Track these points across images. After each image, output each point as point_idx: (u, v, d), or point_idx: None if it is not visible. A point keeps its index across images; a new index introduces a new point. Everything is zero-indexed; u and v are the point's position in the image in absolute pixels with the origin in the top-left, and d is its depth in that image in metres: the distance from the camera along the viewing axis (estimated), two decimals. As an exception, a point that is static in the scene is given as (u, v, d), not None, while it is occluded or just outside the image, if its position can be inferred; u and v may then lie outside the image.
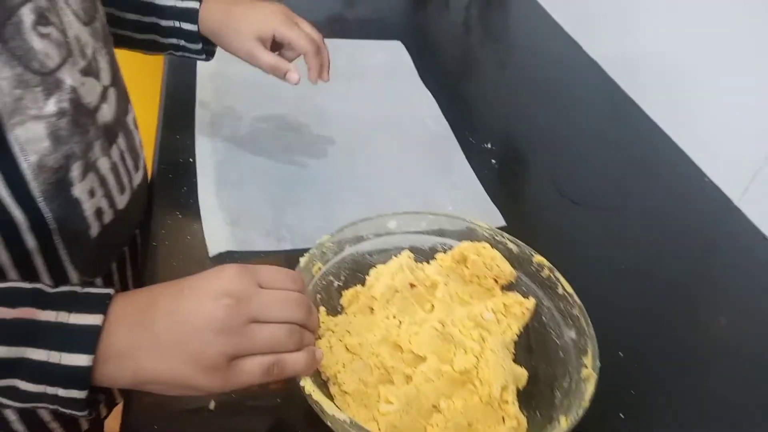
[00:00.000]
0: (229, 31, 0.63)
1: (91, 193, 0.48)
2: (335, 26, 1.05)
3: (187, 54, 0.67)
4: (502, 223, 0.66)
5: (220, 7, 0.63)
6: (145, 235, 0.61)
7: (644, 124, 0.89)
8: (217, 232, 0.60)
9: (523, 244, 0.52)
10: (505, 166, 0.76)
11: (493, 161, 0.76)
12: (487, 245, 0.51)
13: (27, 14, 0.40)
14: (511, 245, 0.52)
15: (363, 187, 0.69)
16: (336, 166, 0.72)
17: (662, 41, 0.88)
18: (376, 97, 0.84)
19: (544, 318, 0.49)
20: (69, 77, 0.44)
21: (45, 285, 0.36)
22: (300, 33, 0.63)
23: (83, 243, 0.49)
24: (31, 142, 0.41)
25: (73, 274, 0.49)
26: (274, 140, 0.74)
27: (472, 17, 1.22)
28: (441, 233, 0.53)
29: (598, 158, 0.82)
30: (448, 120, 0.82)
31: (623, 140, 0.86)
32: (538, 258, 0.50)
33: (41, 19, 0.41)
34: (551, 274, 0.49)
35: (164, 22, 0.63)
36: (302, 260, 0.48)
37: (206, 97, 0.79)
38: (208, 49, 0.66)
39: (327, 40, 0.89)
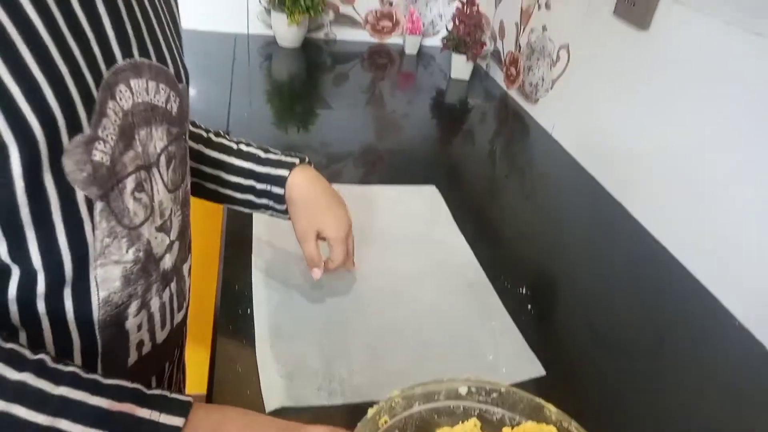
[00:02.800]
0: (300, 210, 0.72)
1: (139, 327, 0.55)
2: (371, 169, 1.14)
3: (274, 214, 0.75)
4: (542, 372, 0.69)
5: (305, 186, 0.72)
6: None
7: (670, 266, 0.93)
8: (273, 387, 0.64)
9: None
10: (541, 311, 0.80)
11: (530, 306, 0.80)
12: (554, 430, 0.52)
13: (130, 182, 0.50)
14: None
15: (408, 336, 0.72)
16: (382, 315, 0.76)
17: (688, 186, 0.94)
18: (416, 246, 0.90)
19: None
20: (147, 232, 0.53)
21: (142, 386, 0.45)
22: (341, 251, 0.72)
23: (119, 368, 0.55)
24: (107, 282, 0.49)
25: None
26: (323, 289, 0.79)
27: (496, 152, 1.32)
28: (511, 407, 0.54)
29: (632, 301, 0.86)
30: (483, 264, 0.86)
31: (649, 279, 0.90)
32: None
33: (139, 186, 0.51)
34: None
35: (259, 186, 0.72)
36: (370, 411, 0.50)
37: (262, 248, 0.85)
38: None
39: (367, 187, 0.97)
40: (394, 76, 1.71)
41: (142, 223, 0.52)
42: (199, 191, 0.74)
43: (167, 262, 0.57)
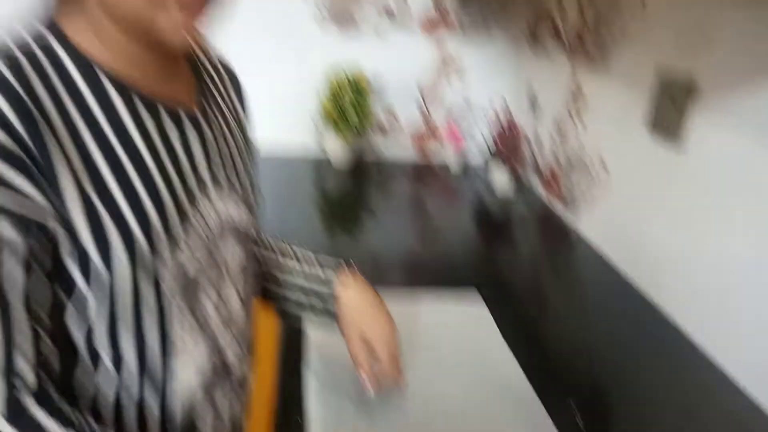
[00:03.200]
0: (347, 313, 0.76)
1: (210, 427, 0.59)
2: (415, 277, 1.17)
3: (319, 315, 0.78)
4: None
5: (353, 289, 0.77)
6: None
7: (714, 376, 0.90)
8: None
9: None
10: (590, 423, 0.78)
11: (578, 420, 0.78)
12: None
13: (209, 290, 0.58)
14: None
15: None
16: (430, 427, 0.76)
17: (726, 289, 0.93)
18: (461, 358, 0.91)
19: None
20: (216, 331, 0.60)
21: None
22: (386, 352, 0.74)
23: None
24: (184, 377, 0.56)
25: None
26: (373, 401, 0.80)
27: (538, 259, 1.34)
28: None
29: (682, 416, 0.83)
30: (528, 374, 0.86)
31: (698, 392, 0.87)
32: None
33: (216, 294, 0.59)
34: None
35: (308, 285, 0.77)
36: None
37: (316, 357, 0.88)
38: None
39: (414, 290, 1.00)
40: (438, 189, 1.79)
41: (216, 326, 0.59)
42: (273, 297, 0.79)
43: (236, 365, 0.63)
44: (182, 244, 0.53)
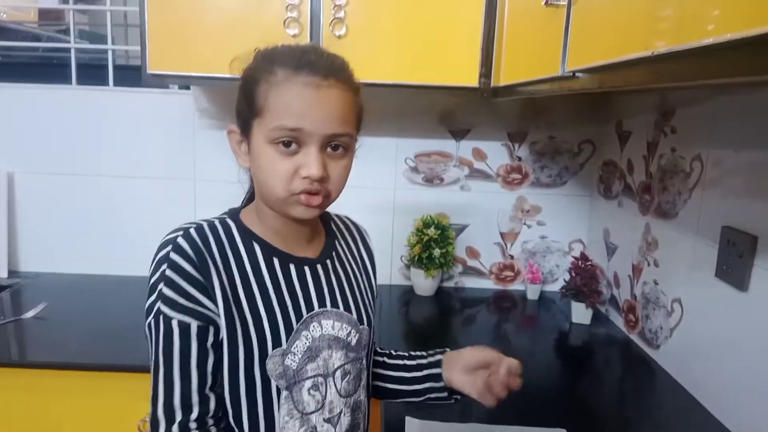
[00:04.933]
0: (451, 368, 0.95)
1: None
2: (498, 408, 1.27)
3: (438, 395, 0.97)
4: None
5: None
6: None
7: None
8: None
9: None
10: None
11: None
12: None
13: (308, 383, 0.81)
14: None
15: None
16: None
17: None
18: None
19: None
20: (315, 420, 0.81)
21: None
22: (499, 356, 0.92)
23: None
24: None
25: None
26: None
27: (624, 395, 1.39)
28: None
29: None
30: None
31: None
32: None
33: (314, 387, 0.81)
34: None
35: (421, 373, 0.97)
36: None
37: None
38: (454, 397, 0.97)
39: (503, 427, 1.10)
40: (517, 318, 1.90)
41: (313, 412, 0.81)
42: (381, 393, 1.00)
43: None
44: (287, 348, 0.78)
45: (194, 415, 0.74)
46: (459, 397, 0.96)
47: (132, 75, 1.87)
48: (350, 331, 0.85)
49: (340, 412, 0.83)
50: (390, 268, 2.07)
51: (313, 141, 0.74)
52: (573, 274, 1.81)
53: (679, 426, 1.25)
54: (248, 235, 0.82)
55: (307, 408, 0.80)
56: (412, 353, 1.01)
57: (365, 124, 0.84)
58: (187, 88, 1.91)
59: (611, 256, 1.85)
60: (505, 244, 2.07)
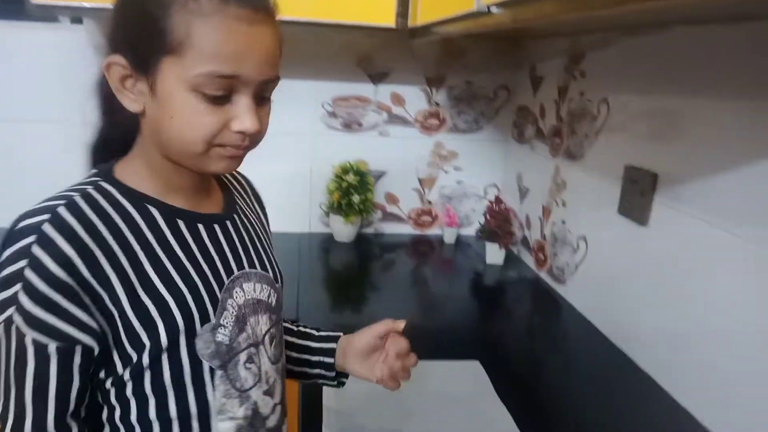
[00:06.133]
0: (348, 343, 0.88)
1: None
2: (417, 345, 1.30)
3: (326, 382, 0.91)
4: None
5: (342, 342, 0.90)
6: None
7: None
8: None
9: None
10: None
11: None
12: None
13: (242, 356, 0.70)
14: None
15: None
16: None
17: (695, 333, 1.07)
18: (462, 418, 1.03)
19: None
20: (255, 395, 0.72)
21: None
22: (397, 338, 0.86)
23: None
24: None
25: None
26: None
27: (533, 328, 1.48)
28: None
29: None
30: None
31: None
32: None
33: (249, 359, 0.71)
34: None
35: (313, 358, 0.89)
36: None
37: (332, 419, 1.00)
38: (341, 381, 0.91)
39: (419, 362, 1.13)
40: (435, 261, 1.95)
41: (251, 388, 0.71)
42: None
43: (271, 421, 0.75)
44: (214, 320, 0.67)
45: None
46: (345, 380, 0.91)
47: (15, 7, 1.67)
48: (270, 292, 0.76)
49: (274, 381, 0.75)
50: (309, 215, 2.04)
51: (247, 89, 0.62)
52: (488, 217, 1.87)
53: (581, 353, 1.34)
54: (137, 198, 0.66)
55: (246, 384, 0.70)
56: (302, 329, 0.93)
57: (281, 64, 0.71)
58: (80, 21, 1.73)
59: (524, 198, 1.92)
60: (423, 190, 2.09)
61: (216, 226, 0.72)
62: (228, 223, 0.74)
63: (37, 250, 0.57)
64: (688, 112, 1.11)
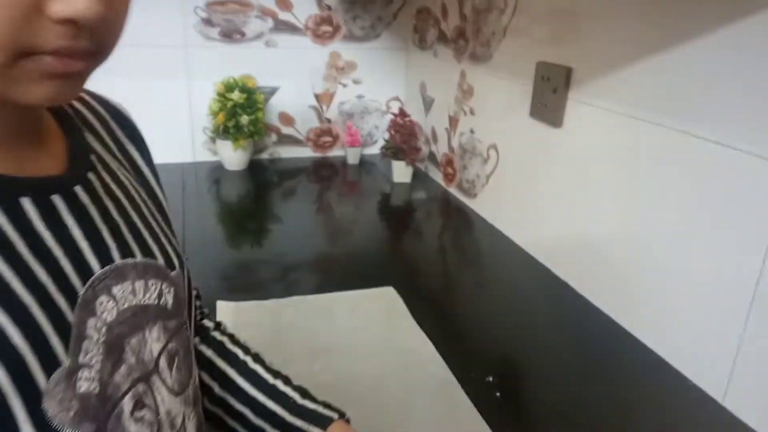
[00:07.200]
0: None
1: None
2: (327, 276, 1.18)
3: None
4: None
5: None
6: None
7: (625, 341, 0.99)
8: None
9: None
10: (508, 397, 0.83)
11: (498, 394, 0.83)
12: None
13: (127, 403, 0.42)
14: None
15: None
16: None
17: (623, 248, 1.02)
18: (378, 348, 0.93)
19: None
20: None
21: None
22: None
23: None
24: None
25: None
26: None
27: (445, 247, 1.39)
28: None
29: (594, 380, 0.90)
30: (446, 359, 0.90)
31: (608, 357, 0.96)
32: None
33: (138, 404, 0.43)
34: None
35: None
36: None
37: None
38: None
39: (328, 295, 0.99)
40: (339, 185, 1.80)
41: None
42: (221, 427, 0.63)
43: None
44: (72, 364, 0.38)
45: None
46: None
47: None
48: (161, 288, 0.48)
49: (183, 420, 0.49)
50: (192, 142, 1.80)
51: None
52: (392, 132, 1.73)
53: (497, 268, 1.27)
54: None
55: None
56: (261, 373, 0.64)
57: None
58: None
59: (428, 110, 1.79)
60: (321, 107, 1.90)
61: (57, 198, 0.41)
62: (78, 189, 0.43)
63: None
64: (584, 11, 0.99)
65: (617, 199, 1.00)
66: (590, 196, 1.07)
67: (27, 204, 0.38)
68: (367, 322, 0.99)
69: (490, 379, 0.86)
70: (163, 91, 1.71)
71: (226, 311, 0.98)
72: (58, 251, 0.39)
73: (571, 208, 1.13)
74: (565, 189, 1.14)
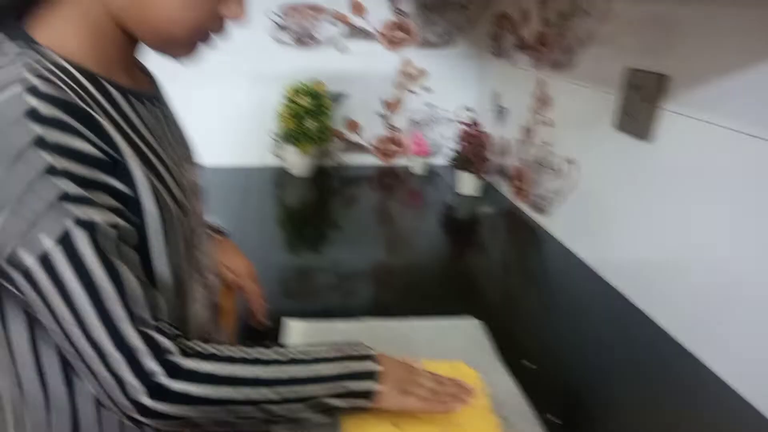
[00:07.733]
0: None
1: None
2: (383, 287, 1.12)
3: None
4: None
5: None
6: None
7: (698, 371, 0.87)
8: None
9: None
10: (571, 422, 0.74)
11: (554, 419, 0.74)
12: None
13: (197, 237, 0.68)
14: None
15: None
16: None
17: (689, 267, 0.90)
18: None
19: None
20: (206, 273, 0.71)
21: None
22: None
23: None
24: None
25: None
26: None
27: (511, 265, 1.30)
28: None
29: (665, 413, 0.79)
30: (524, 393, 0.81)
31: (681, 387, 0.84)
32: None
33: (198, 239, 0.68)
34: None
35: None
36: None
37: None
38: None
39: (407, 323, 0.92)
40: (403, 195, 1.74)
41: (204, 265, 0.70)
42: None
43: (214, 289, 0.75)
44: (187, 207, 0.63)
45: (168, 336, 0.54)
46: None
47: None
48: (196, 173, 0.72)
49: (213, 255, 0.75)
50: (258, 146, 1.79)
51: None
52: (462, 142, 1.65)
53: (564, 281, 1.17)
54: (91, 75, 0.54)
55: (203, 261, 0.68)
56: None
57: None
58: None
59: (500, 120, 1.71)
60: (388, 114, 1.85)
61: (155, 105, 0.64)
62: (156, 102, 0.66)
63: (33, 101, 0.48)
64: (685, 18, 0.89)
65: (714, 224, 0.88)
66: (682, 219, 0.95)
67: (142, 110, 0.60)
68: (448, 350, 0.88)
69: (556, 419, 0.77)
70: (233, 95, 1.72)
71: (298, 330, 0.92)
72: (169, 140, 0.64)
73: (659, 232, 1.01)
74: (652, 209, 1.03)
